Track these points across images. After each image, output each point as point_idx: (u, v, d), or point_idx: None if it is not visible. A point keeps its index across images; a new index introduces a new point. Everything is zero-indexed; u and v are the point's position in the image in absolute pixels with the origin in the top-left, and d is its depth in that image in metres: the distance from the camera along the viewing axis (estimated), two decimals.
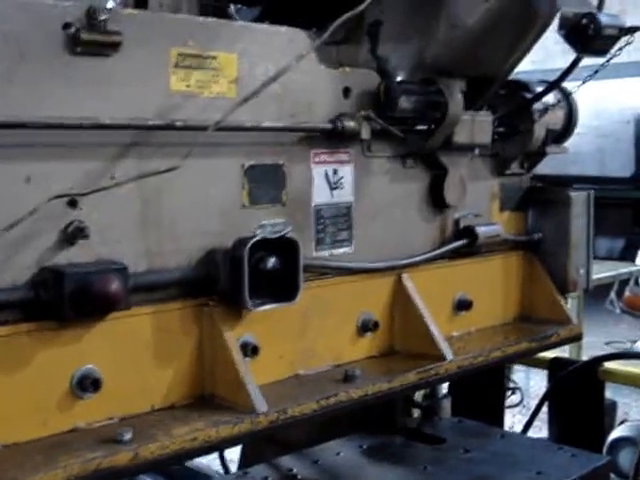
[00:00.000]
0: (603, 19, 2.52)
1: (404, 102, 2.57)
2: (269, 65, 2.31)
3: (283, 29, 2.40)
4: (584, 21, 2.52)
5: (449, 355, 2.64)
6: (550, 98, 3.19)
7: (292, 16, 2.80)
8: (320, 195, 2.52)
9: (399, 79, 2.80)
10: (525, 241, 3.25)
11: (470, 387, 3.53)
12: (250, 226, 2.32)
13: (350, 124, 2.46)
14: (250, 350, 2.29)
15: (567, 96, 3.26)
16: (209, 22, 2.23)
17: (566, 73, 2.94)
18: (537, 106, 3.07)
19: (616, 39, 2.59)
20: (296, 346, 2.47)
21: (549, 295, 3.20)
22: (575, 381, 3.71)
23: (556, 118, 3.22)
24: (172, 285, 2.17)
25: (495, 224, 3.05)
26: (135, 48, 2.04)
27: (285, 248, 2.25)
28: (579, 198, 3.20)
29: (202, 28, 2.19)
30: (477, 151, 3.07)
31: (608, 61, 2.81)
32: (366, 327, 2.64)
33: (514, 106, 3.06)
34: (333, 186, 2.56)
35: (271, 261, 2.20)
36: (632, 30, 2.63)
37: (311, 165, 2.49)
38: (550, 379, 3.85)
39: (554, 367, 3.82)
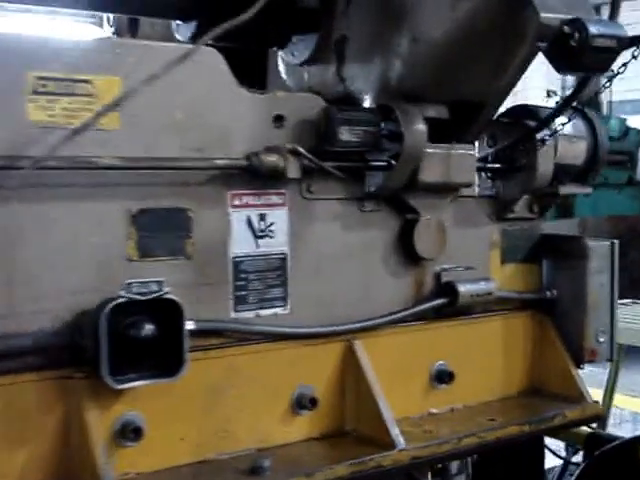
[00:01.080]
0: (593, 27, 1.99)
1: (346, 133, 2.12)
2: (168, 90, 1.95)
3: (186, 47, 2.03)
4: (567, 29, 1.99)
5: (400, 443, 2.15)
6: (568, 129, 2.65)
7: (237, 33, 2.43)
8: (241, 245, 2.11)
9: (367, 105, 2.38)
10: (534, 300, 2.70)
11: (500, 461, 2.99)
12: None
13: (270, 160, 2.05)
14: (131, 432, 1.90)
15: (591, 125, 2.70)
16: (80, 42, 1.88)
17: (572, 96, 2.41)
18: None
19: (615, 52, 2.04)
20: (204, 426, 2.05)
21: (561, 366, 2.63)
22: (614, 462, 3.08)
23: (576, 151, 2.67)
24: (28, 353, 1.81)
25: (488, 280, 2.52)
26: None
27: (169, 311, 1.86)
28: (599, 249, 2.62)
29: (71, 48, 1.85)
30: (476, 190, 2.58)
31: (609, 81, 2.25)
32: (302, 404, 2.18)
33: (515, 137, 2.54)
34: (259, 234, 2.14)
35: (146, 328, 1.81)
36: (637, 40, 2.07)
37: (228, 209, 2.09)
38: (585, 458, 3.24)
39: (591, 444, 3.21)
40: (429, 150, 2.26)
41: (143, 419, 1.93)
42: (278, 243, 2.17)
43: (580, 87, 2.38)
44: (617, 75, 2.19)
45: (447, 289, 2.44)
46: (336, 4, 2.47)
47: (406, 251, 2.39)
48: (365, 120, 2.17)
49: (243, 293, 2.12)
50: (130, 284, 1.82)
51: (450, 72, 2.28)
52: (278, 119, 2.14)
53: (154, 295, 1.83)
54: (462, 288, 2.42)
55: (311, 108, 2.18)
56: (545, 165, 2.53)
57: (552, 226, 3.00)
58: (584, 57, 1.99)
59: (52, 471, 1.85)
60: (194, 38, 2.44)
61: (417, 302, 2.42)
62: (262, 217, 2.14)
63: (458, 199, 2.54)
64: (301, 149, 2.07)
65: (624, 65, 2.14)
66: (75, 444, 1.84)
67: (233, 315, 2.10)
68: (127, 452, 1.92)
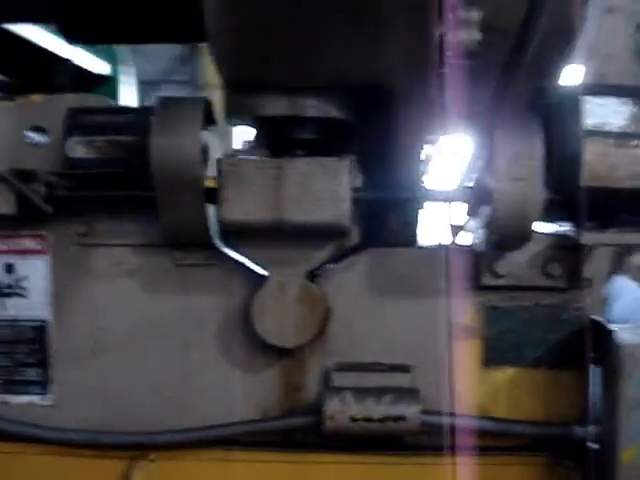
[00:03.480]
0: None
1: (78, 147, 1.41)
2: None
3: None
4: None
5: None
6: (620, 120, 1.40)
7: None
8: None
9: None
10: (549, 438, 1.47)
11: None
12: None
13: None
14: None
15: None
16: None
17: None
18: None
19: None
20: None
21: None
22: None
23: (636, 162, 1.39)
24: None
25: (409, 394, 1.43)
26: None
27: None
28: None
29: None
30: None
31: None
32: None
33: None
34: (5, 291, 1.55)
35: None
36: None
37: None
38: None
39: None
40: (230, 168, 1.38)
41: None
42: (33, 305, 1.55)
43: None
44: None
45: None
46: None
47: None
48: (113, 125, 1.41)
49: None
50: None
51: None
52: (40, 131, 1.53)
53: None
54: (333, 405, 1.42)
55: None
56: (513, 183, 1.34)
57: None
58: None
59: None
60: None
61: (281, 415, 1.50)
62: (9, 268, 1.55)
63: (387, 250, 1.53)
64: (6, 174, 1.43)
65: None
66: None
67: None
68: None
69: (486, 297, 1.49)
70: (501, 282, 1.48)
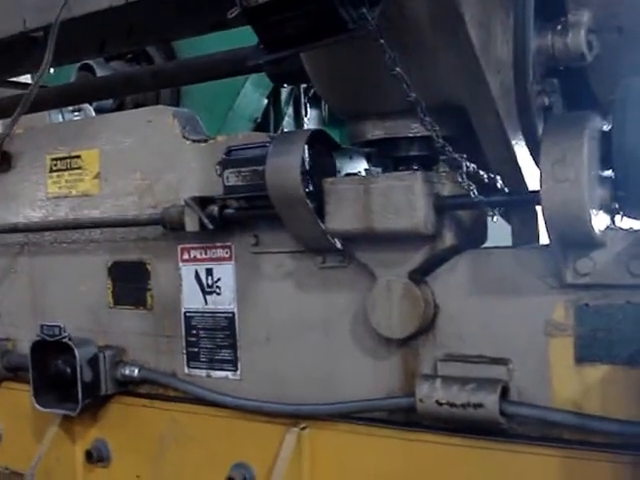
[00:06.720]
0: None
1: (231, 176, 1.81)
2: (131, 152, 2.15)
3: (141, 111, 2.13)
4: None
5: None
6: None
7: None
8: (191, 300, 2.05)
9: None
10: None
11: None
12: (119, 328, 2.20)
13: (173, 213, 1.95)
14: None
15: None
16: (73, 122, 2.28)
17: None
18: None
19: None
20: (154, 474, 2.11)
21: None
22: None
23: None
24: None
25: (492, 384, 1.54)
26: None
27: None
28: None
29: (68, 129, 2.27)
30: None
31: None
32: None
33: None
34: (207, 290, 2.02)
35: (54, 364, 2.11)
36: None
37: (179, 263, 2.07)
38: None
39: None
40: (330, 186, 1.65)
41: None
42: (225, 300, 1.99)
43: None
44: None
45: None
46: None
47: None
48: (251, 158, 1.78)
49: (195, 350, 2.05)
50: (42, 326, 2.12)
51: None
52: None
53: (57, 337, 2.08)
54: (423, 389, 1.60)
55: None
56: (557, 184, 1.39)
57: None
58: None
59: None
60: None
61: (387, 397, 1.73)
62: (209, 272, 2.02)
63: (484, 251, 1.66)
64: (189, 200, 1.89)
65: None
66: None
67: (186, 371, 2.07)
68: None
69: (577, 295, 1.53)
70: (586, 280, 1.50)
